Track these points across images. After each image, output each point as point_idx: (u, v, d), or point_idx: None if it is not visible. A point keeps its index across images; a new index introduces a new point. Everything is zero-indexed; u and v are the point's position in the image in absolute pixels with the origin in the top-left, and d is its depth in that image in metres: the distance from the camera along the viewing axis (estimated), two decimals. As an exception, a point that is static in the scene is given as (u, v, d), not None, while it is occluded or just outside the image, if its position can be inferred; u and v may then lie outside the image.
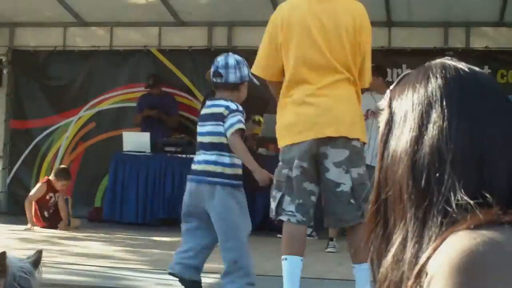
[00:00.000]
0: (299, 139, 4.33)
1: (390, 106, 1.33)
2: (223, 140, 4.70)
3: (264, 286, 5.19)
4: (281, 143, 4.48)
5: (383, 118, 1.34)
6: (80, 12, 11.95)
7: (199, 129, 4.85)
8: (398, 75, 9.90)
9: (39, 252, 2.70)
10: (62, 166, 10.69)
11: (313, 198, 4.41)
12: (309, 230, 8.71)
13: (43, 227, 9.46)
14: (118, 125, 11.75)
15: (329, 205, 4.41)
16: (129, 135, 10.75)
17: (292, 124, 4.37)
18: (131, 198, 10.27)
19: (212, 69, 4.83)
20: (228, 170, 4.71)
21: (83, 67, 12.25)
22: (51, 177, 9.74)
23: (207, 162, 4.71)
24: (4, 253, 2.52)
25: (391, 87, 1.36)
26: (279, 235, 8.76)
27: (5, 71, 12.63)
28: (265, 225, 9.90)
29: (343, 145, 4.29)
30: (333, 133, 4.26)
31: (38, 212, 9.52)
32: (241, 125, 4.67)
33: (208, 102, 4.95)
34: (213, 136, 4.74)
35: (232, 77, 4.76)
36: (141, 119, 11.20)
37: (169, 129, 11.18)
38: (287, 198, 4.37)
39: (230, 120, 4.66)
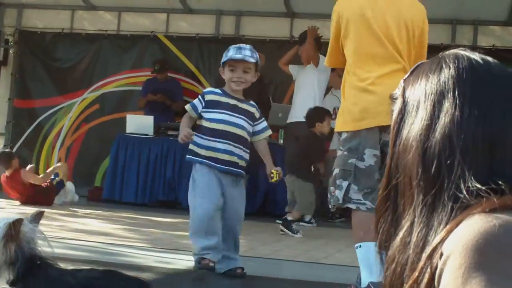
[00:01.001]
0: (363, 126, 4.30)
1: (403, 95, 1.36)
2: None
3: (260, 269, 5.21)
4: (341, 127, 4.44)
5: (396, 107, 1.36)
6: (89, -4, 12.01)
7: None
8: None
9: (41, 213, 2.72)
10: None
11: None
12: (308, 217, 8.75)
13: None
14: (121, 108, 11.78)
15: None
16: (133, 117, 10.75)
17: (354, 111, 4.34)
18: (131, 178, 10.29)
19: None
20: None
21: (89, 50, 12.29)
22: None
23: None
24: (21, 220, 2.55)
25: (405, 77, 1.39)
26: (277, 221, 8.84)
27: (11, 51, 12.65)
28: (263, 211, 9.94)
29: None
30: None
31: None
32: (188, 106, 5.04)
33: None
34: None
35: None
36: (145, 103, 11.21)
37: (173, 114, 11.16)
38: (354, 187, 4.33)
39: None
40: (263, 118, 5.11)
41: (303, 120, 8.62)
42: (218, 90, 5.04)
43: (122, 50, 12.12)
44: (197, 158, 4.90)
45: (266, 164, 5.06)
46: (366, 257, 4.15)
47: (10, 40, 12.68)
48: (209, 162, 4.86)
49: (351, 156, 4.34)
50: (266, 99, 9.92)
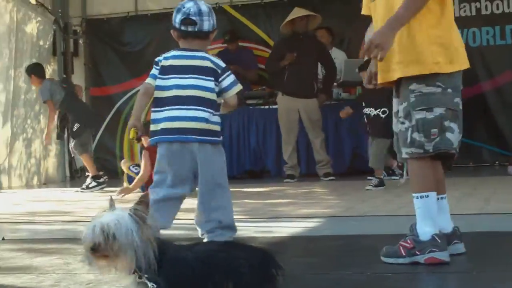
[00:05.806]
0: (460, 68, 3.80)
1: None
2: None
3: (363, 227, 5.14)
4: (445, 69, 3.74)
5: None
6: (150, -24, 12.00)
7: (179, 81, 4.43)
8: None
9: (146, 196, 2.57)
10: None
11: None
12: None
13: None
14: (197, 83, 11.72)
15: None
16: (210, 90, 10.70)
17: (455, 49, 3.78)
18: (217, 151, 10.25)
19: (181, 16, 4.38)
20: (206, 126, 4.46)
21: (157, 30, 12.24)
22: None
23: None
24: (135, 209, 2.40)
25: None
26: (369, 177, 8.72)
27: (80, 41, 12.77)
28: (353, 169, 9.84)
29: None
30: None
31: None
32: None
33: (182, 52, 4.47)
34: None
35: (206, 25, 4.37)
36: (221, 75, 11.15)
37: (249, 83, 11.09)
38: (457, 130, 3.79)
39: (228, 79, 4.44)
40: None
41: None
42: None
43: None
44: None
45: None
46: (427, 208, 3.70)
47: (78, 30, 12.78)
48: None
49: (456, 94, 3.79)
50: (328, 61, 9.70)
